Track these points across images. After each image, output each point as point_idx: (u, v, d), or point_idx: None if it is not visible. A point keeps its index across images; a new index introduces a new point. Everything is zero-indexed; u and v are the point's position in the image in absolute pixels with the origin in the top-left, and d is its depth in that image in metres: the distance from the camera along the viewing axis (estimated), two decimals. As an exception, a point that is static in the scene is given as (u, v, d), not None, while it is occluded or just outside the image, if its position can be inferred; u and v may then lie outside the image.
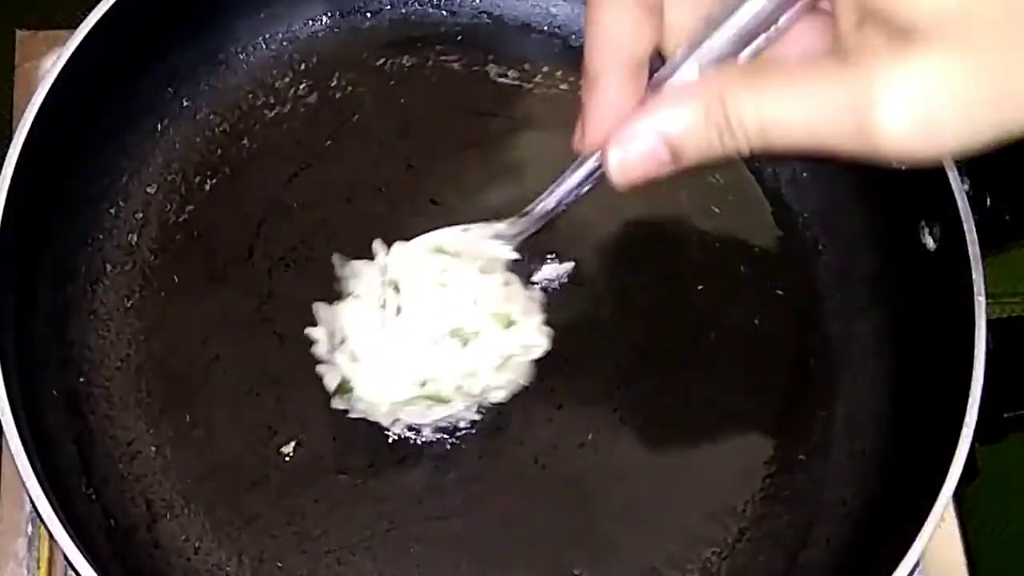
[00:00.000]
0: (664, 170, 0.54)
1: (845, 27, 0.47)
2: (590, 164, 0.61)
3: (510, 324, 0.71)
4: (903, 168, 0.47)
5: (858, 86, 0.45)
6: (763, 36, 0.53)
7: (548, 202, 0.66)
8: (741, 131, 0.49)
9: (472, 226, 0.72)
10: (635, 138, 0.52)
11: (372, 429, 0.76)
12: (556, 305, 0.81)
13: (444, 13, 0.91)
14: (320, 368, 0.73)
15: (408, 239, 0.82)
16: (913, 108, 0.44)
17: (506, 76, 0.89)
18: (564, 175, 0.63)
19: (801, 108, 0.47)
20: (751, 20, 0.52)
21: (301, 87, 0.88)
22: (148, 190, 0.85)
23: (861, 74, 0.45)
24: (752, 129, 0.49)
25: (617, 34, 0.55)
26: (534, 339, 0.72)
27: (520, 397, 0.75)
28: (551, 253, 0.82)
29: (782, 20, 0.52)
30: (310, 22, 0.90)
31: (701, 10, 0.54)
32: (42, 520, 0.67)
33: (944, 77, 0.43)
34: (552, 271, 0.82)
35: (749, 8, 0.52)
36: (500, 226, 0.71)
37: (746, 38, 0.53)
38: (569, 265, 0.82)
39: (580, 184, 0.63)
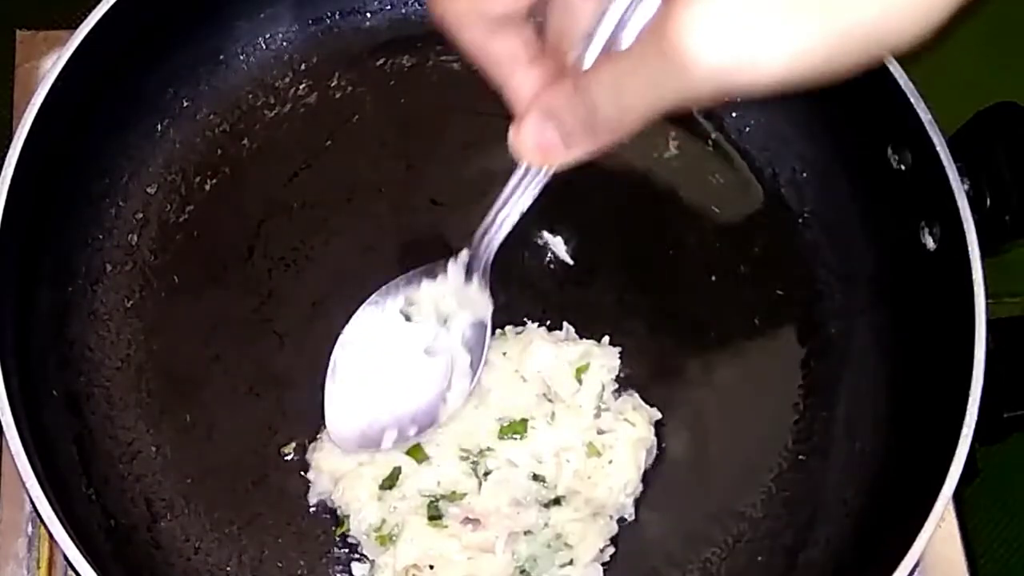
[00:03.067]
0: (564, 155, 0.56)
1: None
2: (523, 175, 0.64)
3: None
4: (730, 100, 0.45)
5: (664, 27, 0.44)
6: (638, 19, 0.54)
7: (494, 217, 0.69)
8: (596, 115, 0.51)
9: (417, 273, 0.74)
10: (528, 126, 0.55)
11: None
12: (556, 305, 0.81)
13: (444, 13, 0.91)
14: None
15: (408, 238, 0.83)
16: (715, 20, 0.42)
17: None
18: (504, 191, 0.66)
19: (629, 74, 0.48)
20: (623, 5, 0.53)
21: (301, 87, 0.88)
22: (148, 190, 0.85)
23: (667, 13, 0.44)
24: (605, 111, 0.50)
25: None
26: None
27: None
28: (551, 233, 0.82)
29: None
30: (310, 22, 0.90)
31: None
32: (42, 520, 0.67)
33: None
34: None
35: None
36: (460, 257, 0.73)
37: (623, 23, 0.54)
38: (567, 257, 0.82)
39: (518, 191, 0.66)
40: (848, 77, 0.44)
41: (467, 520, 0.72)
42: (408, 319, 0.75)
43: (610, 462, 0.74)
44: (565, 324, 0.80)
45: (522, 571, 0.72)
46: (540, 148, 0.56)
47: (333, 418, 0.74)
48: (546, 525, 0.73)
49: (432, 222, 0.84)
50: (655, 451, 0.77)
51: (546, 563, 0.72)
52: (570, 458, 0.74)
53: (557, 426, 0.74)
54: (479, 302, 0.74)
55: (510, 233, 0.83)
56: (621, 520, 0.75)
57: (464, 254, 0.72)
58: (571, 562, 0.72)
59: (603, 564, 0.74)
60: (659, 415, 0.77)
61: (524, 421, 0.74)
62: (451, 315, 0.74)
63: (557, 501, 0.74)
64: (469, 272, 0.72)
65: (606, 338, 0.79)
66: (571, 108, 0.53)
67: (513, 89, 0.57)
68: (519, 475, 0.73)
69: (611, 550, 0.74)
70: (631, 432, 0.75)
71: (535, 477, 0.74)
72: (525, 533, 0.72)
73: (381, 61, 0.89)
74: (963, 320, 0.72)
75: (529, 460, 0.74)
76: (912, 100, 0.76)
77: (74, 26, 0.78)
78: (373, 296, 0.76)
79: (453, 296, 0.74)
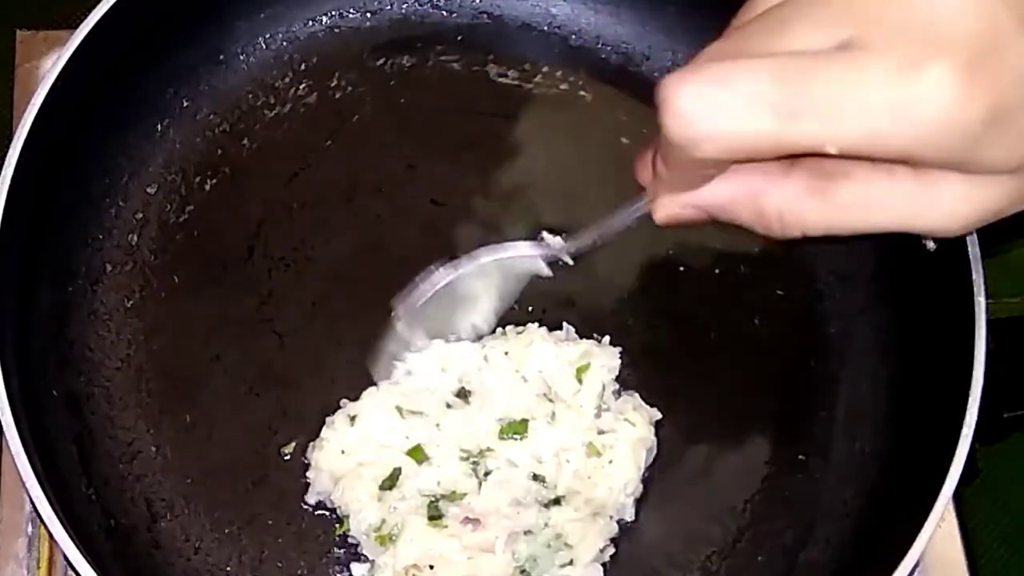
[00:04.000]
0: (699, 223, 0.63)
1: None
2: (639, 207, 0.66)
3: None
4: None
5: (924, 192, 0.55)
6: None
7: (597, 235, 0.72)
8: (778, 223, 0.60)
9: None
10: (681, 206, 0.62)
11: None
12: (556, 305, 0.81)
13: (444, 13, 0.91)
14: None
15: (408, 240, 0.83)
16: (968, 214, 0.56)
17: (506, 76, 0.89)
18: (615, 214, 0.69)
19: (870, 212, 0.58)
20: None
21: (301, 87, 0.88)
22: (148, 190, 0.85)
23: (929, 181, 0.55)
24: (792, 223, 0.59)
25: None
26: None
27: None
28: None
29: None
30: (310, 22, 0.90)
31: None
32: (42, 520, 0.67)
33: (998, 192, 0.55)
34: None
35: None
36: (553, 243, 0.76)
37: None
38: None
39: (627, 221, 0.69)
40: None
41: (467, 520, 0.73)
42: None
43: (610, 462, 0.74)
44: (565, 324, 0.80)
45: (522, 571, 0.72)
46: (683, 218, 0.63)
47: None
48: (546, 525, 0.73)
49: (432, 222, 0.84)
50: (655, 451, 0.77)
51: (546, 563, 0.72)
52: (570, 458, 0.74)
53: (557, 426, 0.74)
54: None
55: (511, 232, 0.84)
56: (621, 521, 0.75)
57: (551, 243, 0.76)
58: (571, 562, 0.72)
59: (603, 564, 0.74)
60: (659, 415, 0.77)
61: (524, 421, 0.74)
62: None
63: (557, 501, 0.74)
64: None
65: (606, 338, 0.79)
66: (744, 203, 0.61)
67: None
68: (519, 475, 0.74)
69: (611, 550, 0.74)
70: (631, 432, 0.75)
71: (535, 477, 0.74)
72: (525, 533, 0.73)
73: (381, 61, 0.89)
74: (963, 320, 0.72)
75: (529, 460, 0.74)
76: (912, 100, 0.76)
77: (74, 26, 0.78)
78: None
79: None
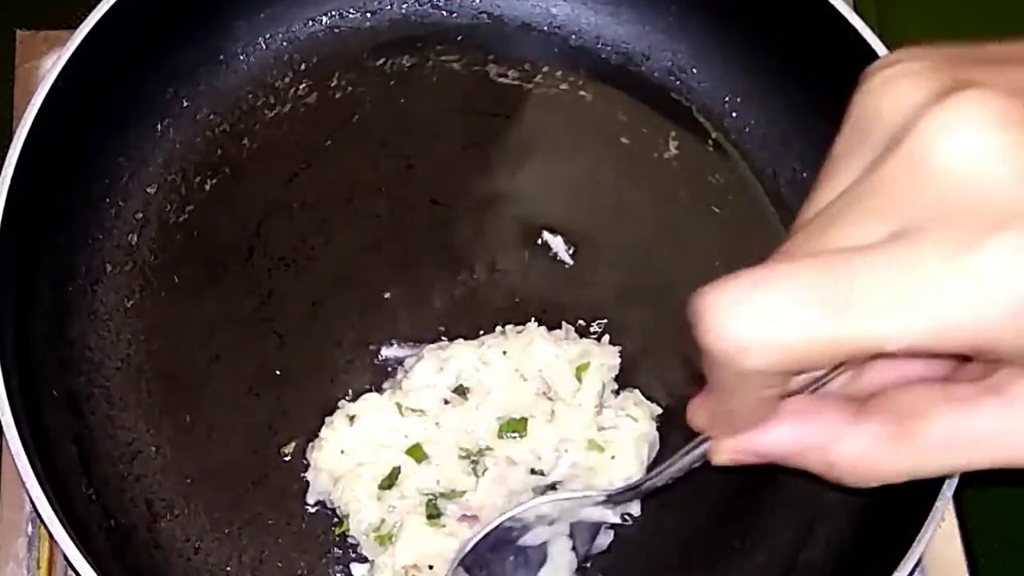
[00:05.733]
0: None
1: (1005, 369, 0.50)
2: (699, 451, 0.61)
3: None
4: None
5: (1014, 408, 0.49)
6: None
7: (658, 480, 0.67)
8: (852, 476, 0.54)
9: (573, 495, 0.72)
10: (741, 452, 0.57)
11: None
12: (556, 304, 0.81)
13: (444, 13, 0.91)
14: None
15: (408, 238, 0.83)
16: None
17: (506, 76, 0.89)
18: (676, 458, 0.64)
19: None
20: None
21: (301, 87, 0.88)
22: (148, 190, 0.85)
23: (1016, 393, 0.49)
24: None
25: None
26: None
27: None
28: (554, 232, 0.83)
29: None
30: (310, 22, 0.90)
31: None
32: (42, 520, 0.67)
33: None
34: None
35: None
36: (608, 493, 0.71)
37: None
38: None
39: (688, 465, 0.64)
40: None
41: (464, 517, 0.73)
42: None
43: (612, 457, 0.74)
44: (564, 323, 0.80)
45: None
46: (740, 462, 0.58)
47: None
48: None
49: (432, 222, 0.84)
50: (657, 445, 0.77)
51: None
52: (569, 448, 0.74)
53: (557, 424, 0.74)
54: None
55: (511, 232, 0.84)
56: (627, 515, 0.75)
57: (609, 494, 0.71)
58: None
59: (603, 567, 0.74)
60: (660, 410, 0.77)
61: (524, 420, 0.74)
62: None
63: (553, 487, 0.73)
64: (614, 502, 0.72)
65: (606, 337, 0.79)
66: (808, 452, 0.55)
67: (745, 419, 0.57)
68: (518, 472, 0.73)
69: (610, 534, 0.75)
70: (633, 427, 0.75)
71: (533, 472, 0.74)
72: None
73: (381, 61, 0.89)
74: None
75: (529, 458, 0.74)
76: (912, 100, 0.76)
77: (74, 26, 0.78)
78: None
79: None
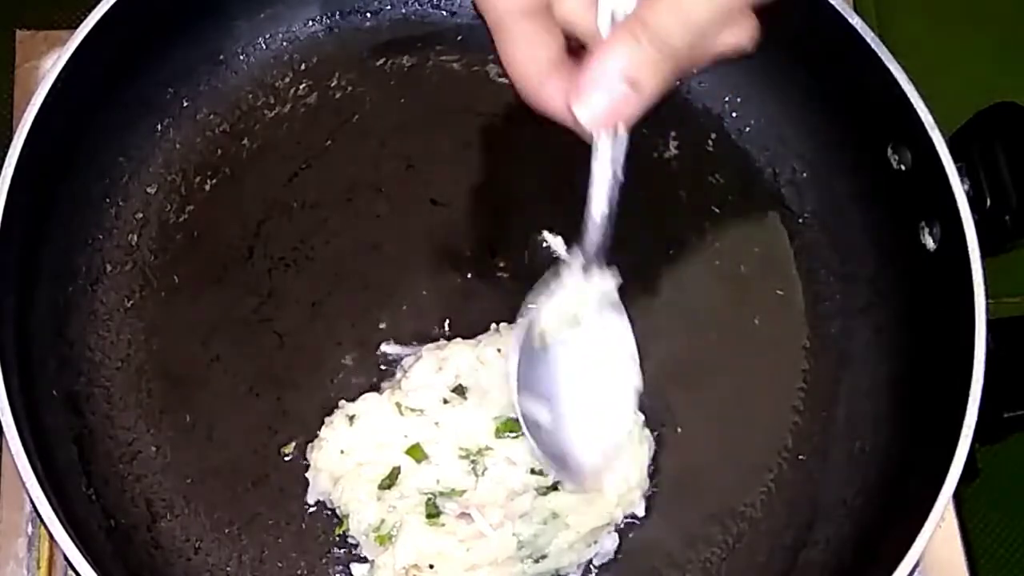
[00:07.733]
0: (631, 107, 0.60)
1: None
2: (606, 149, 0.64)
3: None
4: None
5: None
6: None
7: (599, 203, 0.67)
8: (670, 42, 0.58)
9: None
10: (596, 84, 0.60)
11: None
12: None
13: (444, 13, 0.91)
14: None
15: (408, 238, 0.83)
16: None
17: (506, 76, 0.89)
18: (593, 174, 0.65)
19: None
20: None
21: (301, 87, 0.88)
22: (148, 190, 0.85)
23: None
24: (676, 34, 0.58)
25: None
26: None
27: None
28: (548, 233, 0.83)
29: None
30: (310, 22, 0.90)
31: None
32: (42, 520, 0.67)
33: None
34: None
35: None
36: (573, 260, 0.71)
37: None
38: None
39: (613, 172, 0.65)
40: None
41: (462, 515, 0.73)
42: (545, 347, 0.73)
43: None
44: None
45: (521, 546, 0.72)
46: (612, 108, 0.60)
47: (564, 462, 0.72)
48: (543, 505, 0.73)
49: (432, 222, 0.84)
50: (653, 446, 0.76)
51: (545, 539, 0.73)
52: None
53: None
54: (606, 286, 0.72)
55: (511, 232, 0.84)
56: (631, 515, 0.75)
57: (576, 253, 0.70)
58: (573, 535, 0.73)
59: (603, 562, 0.74)
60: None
61: None
62: (580, 314, 0.73)
63: (554, 487, 0.73)
64: (587, 266, 0.70)
65: None
66: (640, 51, 0.58)
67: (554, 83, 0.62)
68: (518, 472, 0.73)
69: (615, 537, 0.75)
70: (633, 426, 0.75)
71: (532, 471, 0.74)
72: (520, 517, 0.72)
73: (381, 61, 0.89)
74: (963, 320, 0.72)
75: (528, 457, 0.74)
76: (912, 100, 0.76)
77: (74, 26, 0.78)
78: (510, 362, 0.72)
79: (576, 298, 0.72)
